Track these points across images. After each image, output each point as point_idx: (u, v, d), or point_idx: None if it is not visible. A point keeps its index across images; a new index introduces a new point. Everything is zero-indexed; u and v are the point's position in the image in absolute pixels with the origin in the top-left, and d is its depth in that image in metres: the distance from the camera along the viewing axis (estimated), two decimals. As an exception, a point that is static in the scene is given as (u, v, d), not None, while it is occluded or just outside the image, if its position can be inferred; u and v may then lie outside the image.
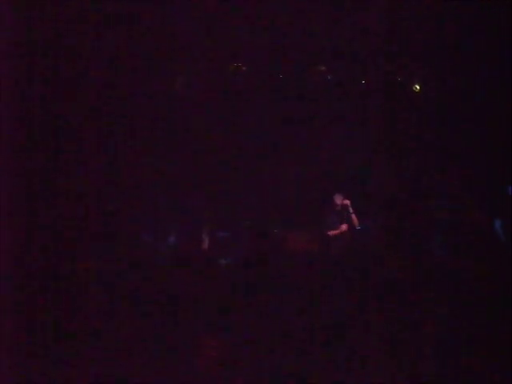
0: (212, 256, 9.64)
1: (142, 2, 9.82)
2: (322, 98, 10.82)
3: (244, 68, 10.96)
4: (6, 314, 7.86)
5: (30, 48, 8.80)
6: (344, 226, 10.50)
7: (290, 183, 11.05)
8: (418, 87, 10.65)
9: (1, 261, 7.94)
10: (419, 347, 7.87)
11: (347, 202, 10.52)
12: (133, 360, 7.88)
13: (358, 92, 10.64)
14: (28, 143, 8.77)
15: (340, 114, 10.70)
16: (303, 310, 8.13)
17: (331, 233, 10.48)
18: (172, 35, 10.31)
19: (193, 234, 9.92)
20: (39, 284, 8.35)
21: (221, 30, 10.39)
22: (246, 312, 8.24)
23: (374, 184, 10.37)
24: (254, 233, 10.12)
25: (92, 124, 9.45)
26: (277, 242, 10.14)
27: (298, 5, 10.25)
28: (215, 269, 9.27)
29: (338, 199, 10.56)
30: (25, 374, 7.65)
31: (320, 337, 7.95)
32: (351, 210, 10.51)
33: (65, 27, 9.20)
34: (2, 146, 8.10)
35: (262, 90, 10.84)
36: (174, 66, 10.78)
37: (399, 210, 10.08)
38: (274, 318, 8.11)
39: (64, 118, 9.20)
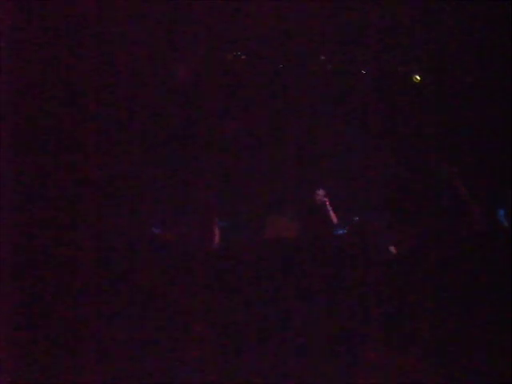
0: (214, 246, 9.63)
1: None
2: (321, 88, 10.81)
3: (243, 57, 10.91)
4: (6, 313, 7.83)
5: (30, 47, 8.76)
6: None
7: (285, 174, 10.97)
8: (418, 78, 10.70)
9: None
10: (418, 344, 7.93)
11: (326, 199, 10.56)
12: (133, 360, 7.87)
13: (358, 82, 10.66)
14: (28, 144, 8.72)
15: (339, 105, 10.70)
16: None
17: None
18: (171, 25, 10.23)
19: (195, 224, 9.86)
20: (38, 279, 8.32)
21: (220, 19, 10.33)
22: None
23: (373, 175, 10.41)
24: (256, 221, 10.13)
25: (91, 116, 9.38)
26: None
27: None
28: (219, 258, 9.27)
29: (320, 194, 10.61)
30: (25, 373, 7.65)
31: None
32: (330, 207, 10.49)
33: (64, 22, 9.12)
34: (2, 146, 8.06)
35: (260, 79, 10.81)
36: (171, 56, 10.70)
37: (399, 202, 10.13)
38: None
39: (64, 113, 9.12)
